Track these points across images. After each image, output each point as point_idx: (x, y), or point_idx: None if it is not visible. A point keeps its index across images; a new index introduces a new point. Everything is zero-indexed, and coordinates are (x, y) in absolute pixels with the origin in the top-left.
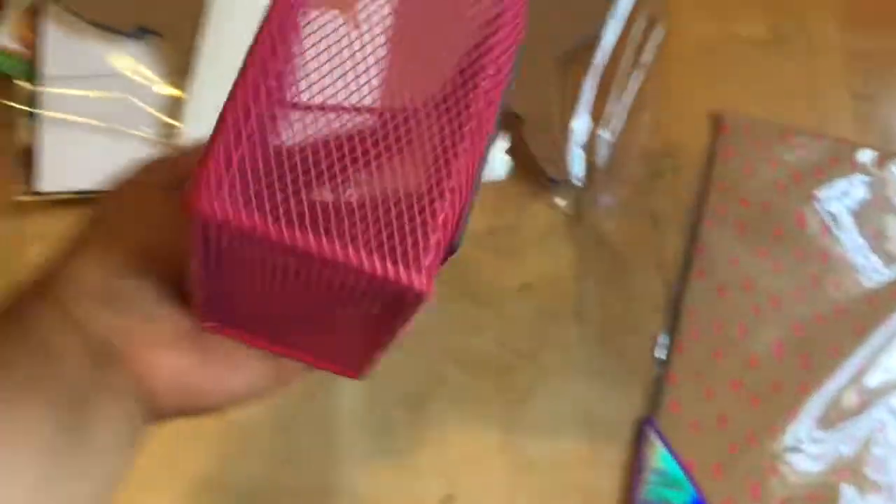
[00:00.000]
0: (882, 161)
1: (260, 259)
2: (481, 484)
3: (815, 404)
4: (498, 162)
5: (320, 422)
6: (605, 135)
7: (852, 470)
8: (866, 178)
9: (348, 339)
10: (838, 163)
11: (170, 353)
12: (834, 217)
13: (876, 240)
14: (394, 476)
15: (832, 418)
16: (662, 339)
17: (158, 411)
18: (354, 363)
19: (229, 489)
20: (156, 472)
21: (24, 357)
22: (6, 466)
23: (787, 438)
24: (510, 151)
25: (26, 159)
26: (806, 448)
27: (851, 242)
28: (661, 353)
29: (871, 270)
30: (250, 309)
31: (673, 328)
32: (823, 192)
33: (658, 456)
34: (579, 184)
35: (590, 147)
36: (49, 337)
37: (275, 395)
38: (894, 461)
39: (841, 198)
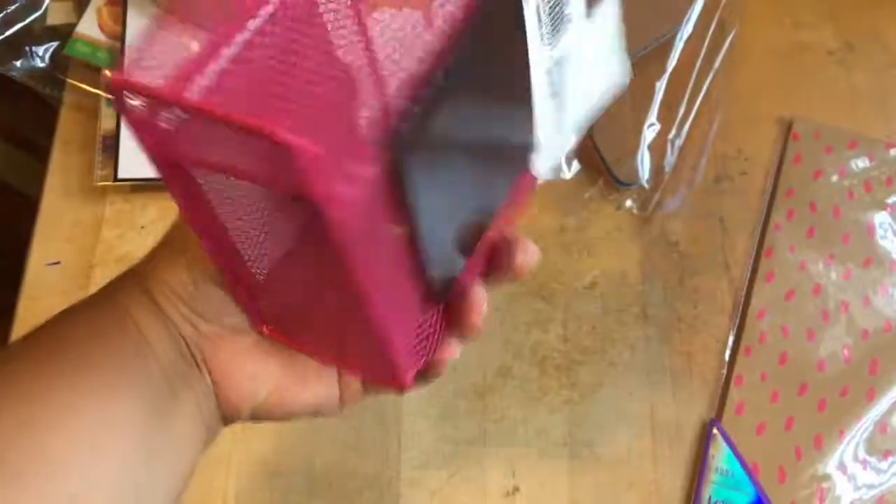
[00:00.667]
0: None
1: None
2: (545, 477)
3: (880, 410)
4: (566, 162)
5: (384, 410)
6: (675, 137)
7: None
8: None
9: (361, 338)
10: None
11: (249, 363)
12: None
13: None
14: (458, 467)
15: None
16: (729, 342)
17: (229, 416)
18: (388, 368)
19: (297, 473)
20: (228, 453)
21: (119, 345)
22: (96, 448)
23: (853, 445)
24: (579, 152)
25: (109, 146)
26: (869, 458)
27: None
28: (727, 355)
29: None
30: (274, 297)
31: (740, 330)
32: (893, 203)
33: (723, 456)
34: (647, 185)
35: (658, 149)
36: (143, 330)
37: (337, 414)
38: None
39: None
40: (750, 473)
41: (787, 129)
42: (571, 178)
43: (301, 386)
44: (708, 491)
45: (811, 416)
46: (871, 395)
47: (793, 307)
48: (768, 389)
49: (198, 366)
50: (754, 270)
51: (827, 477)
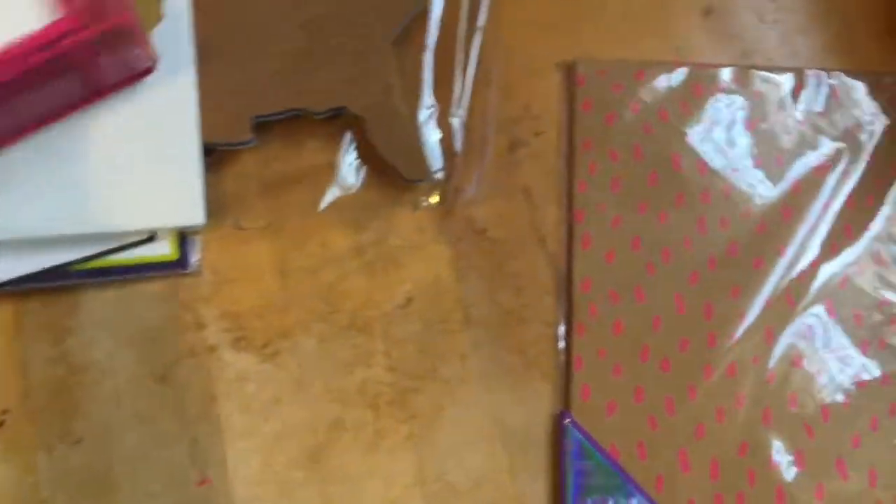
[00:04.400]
0: (743, 76)
1: None
2: None
3: (723, 354)
4: (347, 172)
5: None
6: (456, 115)
7: (775, 411)
8: (732, 98)
9: None
10: (701, 89)
11: None
12: (708, 150)
13: (756, 160)
14: None
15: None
16: (561, 323)
17: None
18: None
19: None
20: None
21: None
22: None
23: (705, 394)
24: (358, 157)
25: None
26: (725, 406)
27: (731, 172)
28: (561, 341)
29: (757, 196)
30: None
31: (569, 308)
32: (693, 127)
33: (580, 449)
34: (440, 175)
35: (444, 132)
36: None
37: None
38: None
39: (712, 128)
40: (609, 458)
41: (571, 73)
42: (358, 191)
43: None
44: (573, 489)
45: (657, 380)
46: (711, 341)
47: (616, 268)
48: (609, 365)
49: None
50: (570, 239)
51: (686, 436)
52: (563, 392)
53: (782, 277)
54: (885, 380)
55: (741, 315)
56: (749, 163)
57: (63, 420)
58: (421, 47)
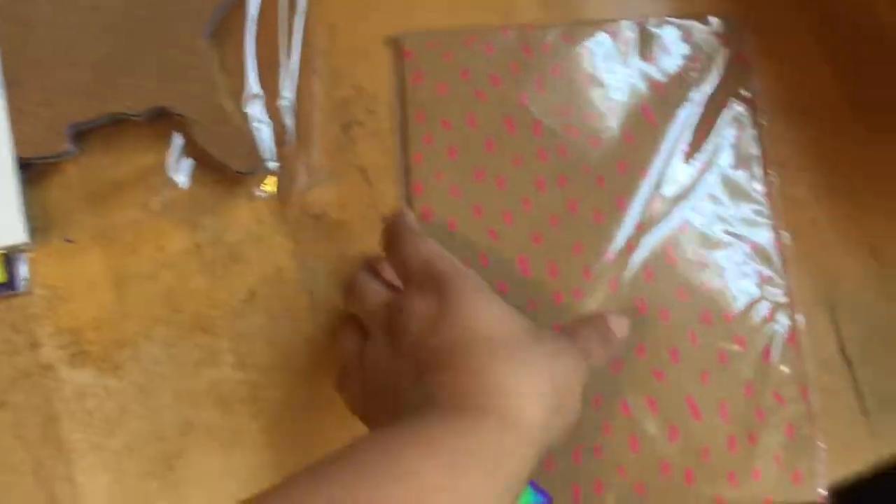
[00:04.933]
0: (571, 33)
1: None
2: None
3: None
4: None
5: None
6: (285, 101)
7: (625, 361)
8: (562, 56)
9: None
10: (531, 51)
11: None
12: (541, 110)
13: (590, 115)
14: None
15: None
16: None
17: None
18: None
19: None
20: None
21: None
22: None
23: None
24: (187, 155)
25: None
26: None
27: (565, 129)
28: None
29: (593, 150)
30: None
31: None
32: (525, 89)
33: None
34: (274, 164)
35: (274, 119)
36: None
37: None
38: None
39: (544, 87)
40: None
41: (398, 48)
42: (190, 189)
43: None
44: None
45: None
46: (557, 300)
47: (459, 237)
48: None
49: None
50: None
51: None
52: None
53: (622, 229)
54: (726, 317)
55: (585, 271)
56: (582, 118)
57: None
58: (241, 35)
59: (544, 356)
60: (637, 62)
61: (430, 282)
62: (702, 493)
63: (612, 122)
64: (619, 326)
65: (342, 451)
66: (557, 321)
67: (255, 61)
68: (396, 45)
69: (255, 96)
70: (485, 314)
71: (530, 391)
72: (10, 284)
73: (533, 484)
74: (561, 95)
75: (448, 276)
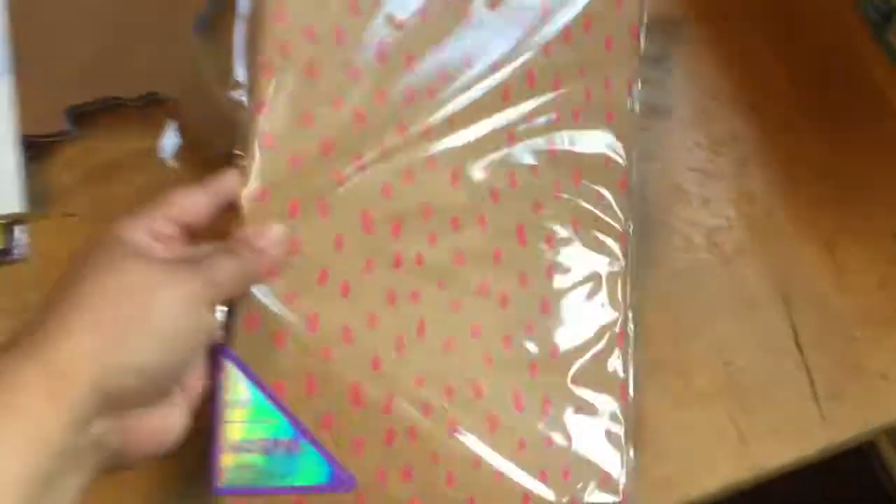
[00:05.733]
0: None
1: None
2: None
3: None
4: (170, 154)
5: None
6: None
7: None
8: None
9: None
10: None
11: (156, 423)
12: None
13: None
14: None
15: None
16: None
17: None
18: None
19: None
20: None
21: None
22: None
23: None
24: (181, 138)
25: None
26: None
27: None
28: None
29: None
30: None
31: None
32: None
33: (240, 388)
34: None
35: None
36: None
37: None
38: None
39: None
40: (274, 398)
41: None
42: (184, 171)
43: (176, 419)
44: (227, 433)
45: (336, 305)
46: (397, 262)
47: (304, 175)
48: (282, 290)
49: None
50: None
51: (365, 373)
52: (225, 326)
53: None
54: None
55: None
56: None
57: None
58: (231, 23)
59: (119, 290)
60: None
61: None
62: (513, 489)
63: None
64: (268, 239)
65: None
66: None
67: (243, 53)
68: None
69: (241, 84)
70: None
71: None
72: (8, 251)
73: (335, 464)
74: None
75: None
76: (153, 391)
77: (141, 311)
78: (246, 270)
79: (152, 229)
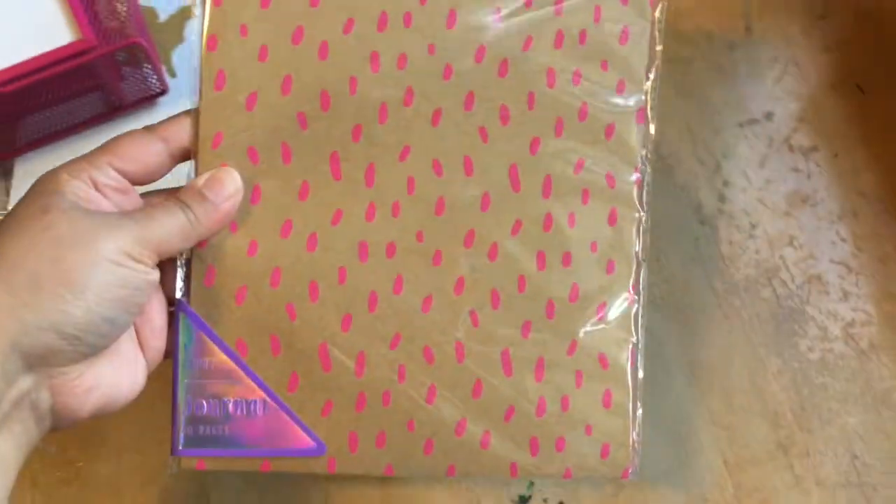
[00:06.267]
0: None
1: None
2: None
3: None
4: None
5: None
6: None
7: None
8: None
9: None
10: None
11: (89, 379)
12: None
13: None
14: None
15: None
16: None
17: (64, 424)
18: None
19: None
20: None
21: None
22: None
23: (358, 278)
24: None
25: None
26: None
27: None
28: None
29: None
30: None
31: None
32: None
33: (198, 344)
34: None
35: None
36: None
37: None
38: None
39: None
40: (233, 355)
41: None
42: None
43: (124, 377)
44: (186, 390)
45: (301, 261)
46: (370, 214)
47: (264, 117)
48: (244, 242)
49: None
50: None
51: (333, 332)
52: (185, 279)
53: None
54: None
55: (407, 183)
56: None
57: None
58: None
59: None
60: None
61: None
62: (497, 458)
63: None
64: (222, 188)
65: None
66: (365, 240)
67: None
68: None
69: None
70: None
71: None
72: None
73: (303, 428)
74: None
75: None
76: (83, 349)
77: (60, 266)
78: (194, 224)
79: (93, 178)
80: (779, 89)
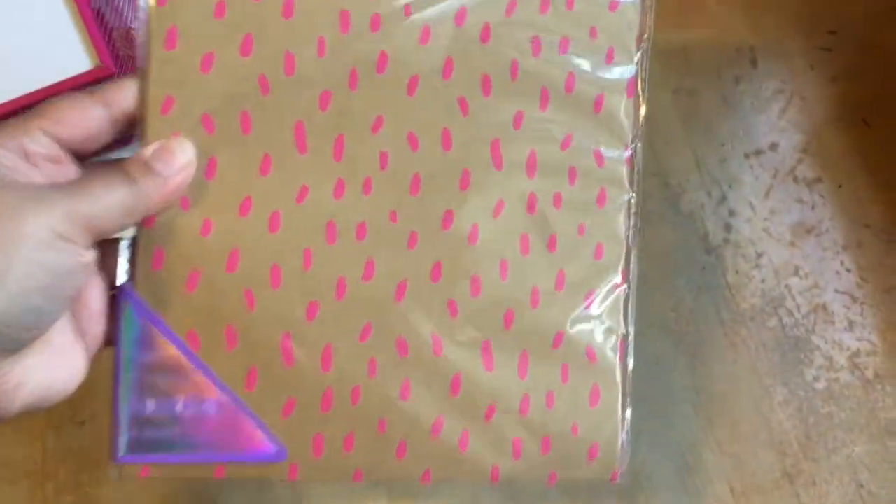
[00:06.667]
0: None
1: None
2: None
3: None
4: None
5: None
6: None
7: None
8: None
9: None
10: None
11: (17, 373)
12: None
13: None
14: None
15: None
16: None
17: None
18: None
19: None
20: None
21: None
22: None
23: (325, 261)
24: None
25: None
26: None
27: None
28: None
29: None
30: None
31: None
32: None
33: (143, 336)
34: None
35: None
36: None
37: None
38: None
39: None
40: (187, 351)
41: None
42: None
43: (58, 370)
44: (130, 388)
45: (262, 243)
46: (339, 190)
47: (220, 81)
48: (198, 220)
49: None
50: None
51: (296, 322)
52: (130, 263)
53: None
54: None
55: (379, 158)
56: None
57: None
58: None
59: None
60: None
61: None
62: (477, 461)
63: None
64: (173, 160)
65: None
66: (333, 219)
67: None
68: None
69: None
70: None
71: None
72: None
73: (262, 430)
74: None
75: None
76: (7, 344)
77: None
78: (138, 199)
79: (23, 146)
80: (784, 121)
